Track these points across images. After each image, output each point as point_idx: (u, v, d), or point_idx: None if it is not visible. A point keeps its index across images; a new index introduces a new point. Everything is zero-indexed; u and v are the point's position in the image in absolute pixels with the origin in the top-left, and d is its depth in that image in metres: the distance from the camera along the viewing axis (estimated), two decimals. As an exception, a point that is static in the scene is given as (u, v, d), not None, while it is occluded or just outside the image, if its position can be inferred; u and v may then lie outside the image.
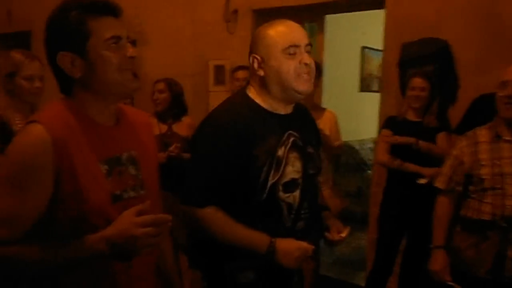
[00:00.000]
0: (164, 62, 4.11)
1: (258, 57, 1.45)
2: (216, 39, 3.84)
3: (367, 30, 5.31)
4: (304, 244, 1.40)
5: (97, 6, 1.07)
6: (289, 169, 1.44)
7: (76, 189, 1.04)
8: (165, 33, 4.11)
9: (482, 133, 1.89)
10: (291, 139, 1.47)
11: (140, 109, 1.41)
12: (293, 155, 1.46)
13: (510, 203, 1.76)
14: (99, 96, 1.11)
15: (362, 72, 5.89)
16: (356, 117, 5.58)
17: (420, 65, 2.70)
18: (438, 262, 1.94)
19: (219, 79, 3.78)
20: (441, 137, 2.57)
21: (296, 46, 1.40)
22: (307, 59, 1.41)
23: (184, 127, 3.13)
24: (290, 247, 1.38)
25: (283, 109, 1.49)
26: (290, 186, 1.44)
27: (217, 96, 3.53)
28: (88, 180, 1.06)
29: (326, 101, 3.70)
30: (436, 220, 2.00)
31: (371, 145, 5.48)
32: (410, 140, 2.52)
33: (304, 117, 1.61)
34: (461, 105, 2.61)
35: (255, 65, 1.46)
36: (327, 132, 2.93)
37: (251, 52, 1.48)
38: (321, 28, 3.67)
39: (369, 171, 5.19)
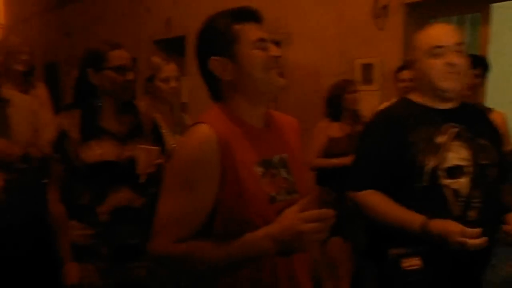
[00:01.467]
0: (308, 62, 4.03)
1: (412, 59, 1.61)
2: (363, 36, 3.63)
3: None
4: (463, 228, 1.34)
5: (242, 13, 1.16)
6: (451, 155, 1.48)
7: (238, 189, 1.08)
8: (309, 32, 4.03)
9: None
10: (454, 129, 1.52)
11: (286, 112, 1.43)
12: (457, 144, 1.51)
13: None
14: (248, 98, 1.16)
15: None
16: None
17: None
18: None
19: (367, 78, 3.57)
20: None
21: (441, 47, 1.49)
22: (454, 59, 1.48)
23: None
24: (446, 225, 1.38)
25: (442, 105, 1.57)
26: (454, 172, 1.48)
27: (365, 96, 3.34)
28: (248, 181, 1.09)
29: (492, 100, 3.27)
30: None
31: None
32: None
33: (474, 113, 1.67)
34: None
35: (410, 65, 1.65)
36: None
37: (410, 56, 1.67)
38: (486, 19, 3.26)
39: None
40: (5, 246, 1.69)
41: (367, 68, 3.58)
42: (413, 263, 1.45)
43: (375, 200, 1.52)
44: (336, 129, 3.08)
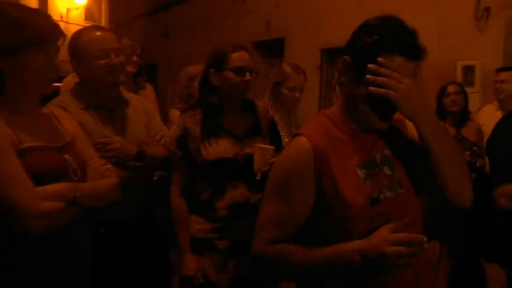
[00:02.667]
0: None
1: None
2: (464, 38, 3.65)
3: None
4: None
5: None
6: None
7: (337, 195, 1.09)
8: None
9: None
10: None
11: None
12: None
13: None
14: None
15: None
16: None
17: None
18: None
19: (468, 80, 3.60)
20: None
21: None
22: None
23: (473, 131, 3.02)
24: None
25: None
26: None
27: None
28: (347, 185, 1.10)
29: None
30: None
31: None
32: None
33: None
34: None
35: None
36: None
37: None
38: None
39: None
40: (120, 243, 1.72)
41: (469, 70, 3.61)
42: None
43: None
44: None
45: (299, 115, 2.63)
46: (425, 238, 0.99)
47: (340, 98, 1.18)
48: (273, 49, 5.62)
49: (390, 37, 1.08)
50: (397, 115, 1.13)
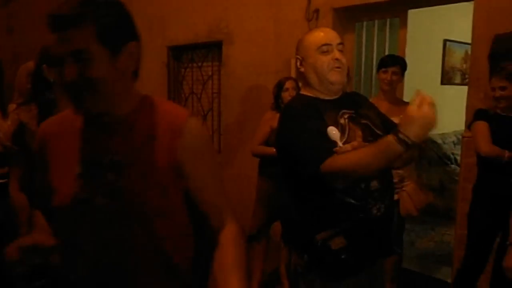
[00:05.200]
0: (249, 60, 4.31)
1: (299, 57, 1.74)
2: (297, 37, 3.92)
3: (449, 23, 5.18)
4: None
5: None
6: (352, 133, 1.64)
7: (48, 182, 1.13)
8: (249, 33, 4.30)
9: None
10: (346, 114, 1.69)
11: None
12: (352, 125, 1.67)
13: None
14: None
15: (444, 65, 5.74)
16: (438, 110, 5.43)
17: (513, 58, 2.64)
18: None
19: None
20: None
21: (329, 44, 1.67)
22: (338, 55, 1.67)
23: None
24: (412, 118, 1.37)
25: (329, 96, 1.73)
26: None
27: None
28: (58, 177, 1.11)
29: (408, 95, 3.69)
30: None
31: (453, 138, 5.35)
32: None
33: (354, 99, 1.82)
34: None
35: (298, 63, 1.75)
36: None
37: (296, 55, 1.77)
38: (404, 23, 3.66)
39: (452, 165, 5.07)
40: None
41: (302, 67, 3.91)
42: (339, 242, 1.58)
43: (346, 157, 1.48)
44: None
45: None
46: None
47: None
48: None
49: None
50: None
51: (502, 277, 2.05)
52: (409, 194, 2.94)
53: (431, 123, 1.38)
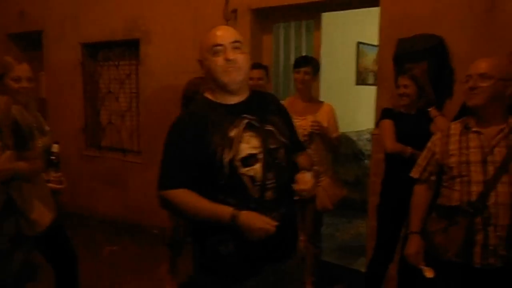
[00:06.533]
0: (167, 60, 4.24)
1: (201, 59, 1.69)
2: (216, 37, 3.95)
3: (362, 26, 5.45)
4: (265, 218, 1.56)
5: None
6: (244, 146, 1.60)
7: None
8: (167, 32, 4.24)
9: (455, 127, 2.02)
10: (245, 121, 1.64)
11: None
12: (248, 134, 1.62)
13: (475, 189, 1.86)
14: None
15: (358, 67, 6.03)
16: (353, 109, 5.73)
17: (415, 60, 2.82)
18: (412, 246, 2.08)
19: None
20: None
21: (220, 45, 1.61)
22: (231, 55, 1.60)
23: None
24: (251, 220, 1.55)
25: (232, 99, 1.68)
26: (248, 160, 1.61)
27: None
28: None
29: (324, 95, 3.83)
30: (413, 208, 2.14)
31: (367, 136, 5.63)
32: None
33: (262, 102, 1.77)
34: (458, 98, 2.65)
35: (200, 65, 1.70)
36: (325, 124, 3.06)
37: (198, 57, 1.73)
38: (318, 26, 3.79)
39: (366, 161, 5.34)
40: None
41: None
42: (228, 247, 1.61)
43: (185, 197, 1.60)
44: None
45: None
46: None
47: None
48: (30, 42, 5.30)
49: None
50: None
51: (406, 264, 2.17)
52: (324, 189, 3.06)
53: (261, 234, 1.57)
